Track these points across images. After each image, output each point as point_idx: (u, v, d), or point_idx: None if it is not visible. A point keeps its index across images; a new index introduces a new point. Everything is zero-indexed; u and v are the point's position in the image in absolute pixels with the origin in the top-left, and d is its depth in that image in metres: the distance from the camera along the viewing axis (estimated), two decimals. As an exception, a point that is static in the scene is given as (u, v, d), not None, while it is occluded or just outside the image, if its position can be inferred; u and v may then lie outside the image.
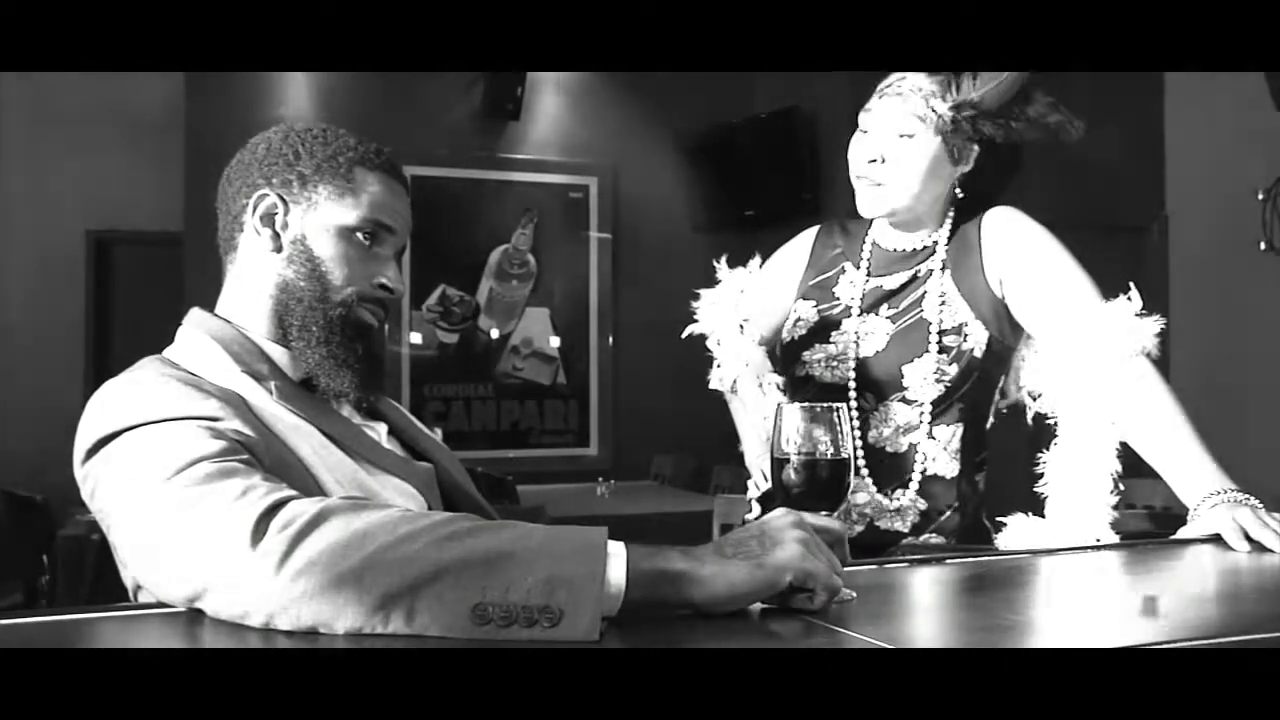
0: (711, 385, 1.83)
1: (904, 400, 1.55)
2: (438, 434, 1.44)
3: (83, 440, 1.01)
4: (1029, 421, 1.56)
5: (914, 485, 1.55)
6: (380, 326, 1.22)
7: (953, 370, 1.53)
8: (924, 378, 1.53)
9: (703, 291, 1.83)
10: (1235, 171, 4.87)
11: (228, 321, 1.18)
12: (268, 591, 0.83)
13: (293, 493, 0.90)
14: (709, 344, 1.80)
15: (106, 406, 1.02)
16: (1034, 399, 1.55)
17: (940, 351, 1.53)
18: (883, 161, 1.55)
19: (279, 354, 1.17)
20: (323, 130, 1.21)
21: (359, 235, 1.17)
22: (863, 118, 1.59)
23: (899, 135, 1.54)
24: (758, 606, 0.90)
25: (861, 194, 1.59)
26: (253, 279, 1.18)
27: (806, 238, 1.77)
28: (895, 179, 1.55)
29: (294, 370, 1.17)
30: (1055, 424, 1.50)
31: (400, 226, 1.21)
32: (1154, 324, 1.44)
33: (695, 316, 1.82)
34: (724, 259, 1.83)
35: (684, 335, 1.84)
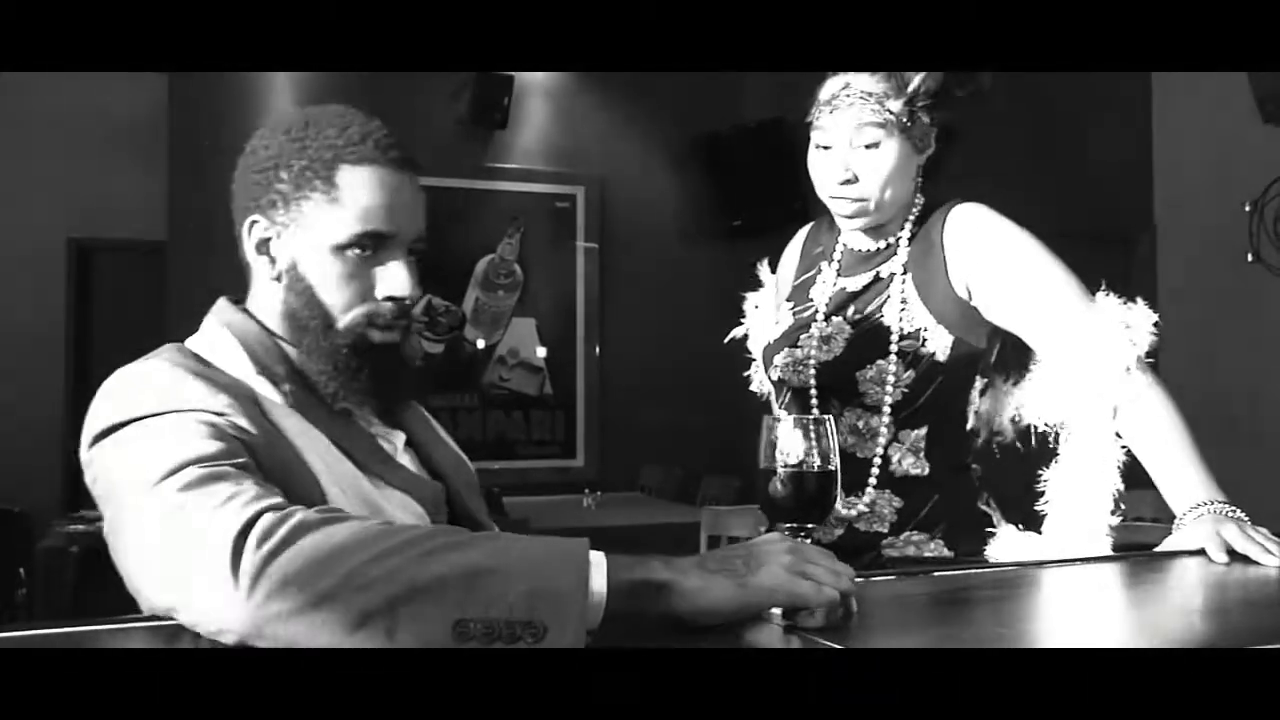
0: (753, 388, 1.83)
1: (862, 405, 1.53)
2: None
3: (89, 426, 1.00)
4: (1033, 441, 1.54)
5: (884, 486, 1.51)
6: (402, 338, 1.15)
7: (908, 376, 1.50)
8: (879, 384, 1.50)
9: (747, 295, 1.82)
10: (1223, 184, 4.91)
11: (252, 316, 1.15)
12: (241, 615, 0.82)
13: (271, 502, 0.88)
14: (749, 345, 1.80)
15: (115, 395, 1.00)
16: (1036, 416, 1.54)
17: (898, 356, 1.51)
18: (855, 180, 1.51)
19: (299, 357, 1.13)
20: (303, 125, 1.12)
21: (353, 251, 1.10)
22: (817, 135, 1.55)
23: (864, 147, 1.50)
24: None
25: (839, 211, 1.56)
26: (265, 304, 1.15)
27: (798, 237, 1.77)
28: (870, 193, 1.52)
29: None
30: (1056, 441, 1.48)
31: (402, 225, 1.11)
32: (1145, 317, 1.42)
33: (741, 319, 1.82)
34: (765, 261, 1.82)
35: (726, 340, 1.84)
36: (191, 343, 1.13)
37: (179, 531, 0.86)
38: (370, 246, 1.10)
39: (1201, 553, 1.29)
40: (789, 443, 1.04)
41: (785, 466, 1.03)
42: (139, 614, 0.93)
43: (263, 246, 1.13)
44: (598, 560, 0.84)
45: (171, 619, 0.89)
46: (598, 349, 5.29)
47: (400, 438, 1.21)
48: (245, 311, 1.15)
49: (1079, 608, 1.15)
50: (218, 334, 1.13)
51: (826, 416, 1.06)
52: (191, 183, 4.52)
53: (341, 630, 0.79)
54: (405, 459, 1.20)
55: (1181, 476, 1.37)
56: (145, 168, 5.23)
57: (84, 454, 1.00)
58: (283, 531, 0.83)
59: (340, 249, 1.09)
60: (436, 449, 1.26)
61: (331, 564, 0.81)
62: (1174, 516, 1.37)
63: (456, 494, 1.23)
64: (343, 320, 1.11)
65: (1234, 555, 1.26)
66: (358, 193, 1.09)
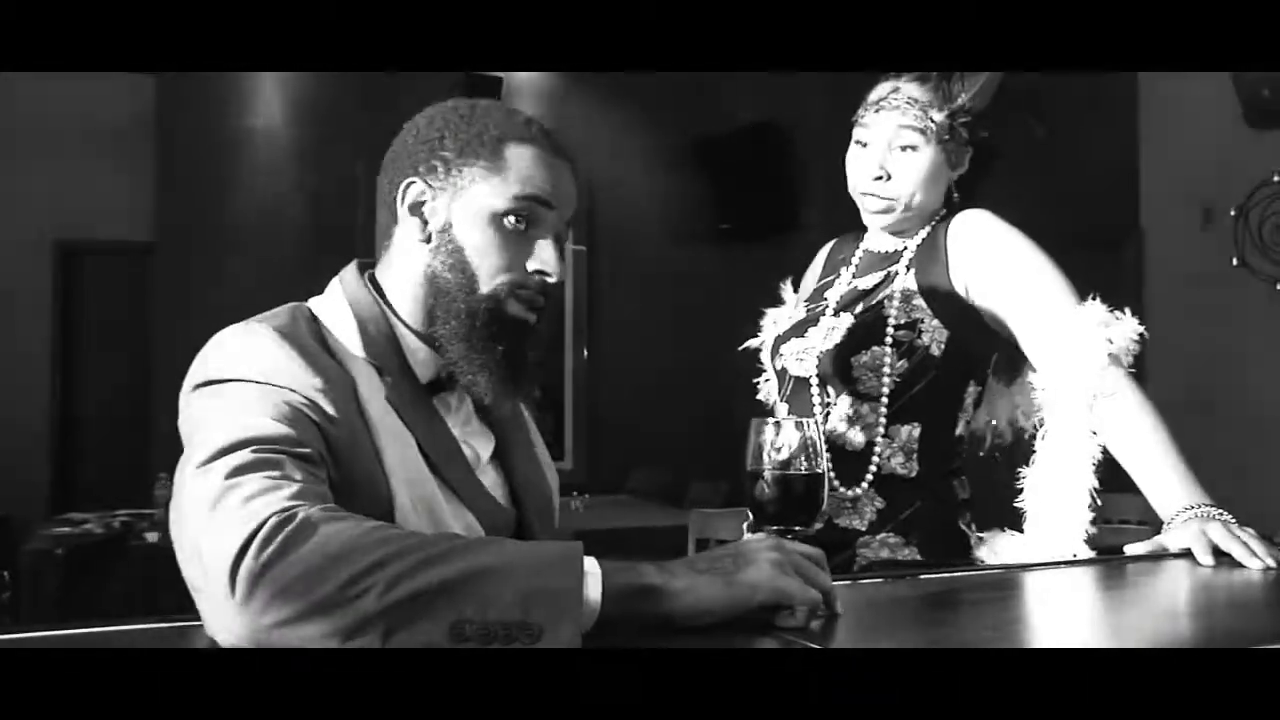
0: (760, 397, 1.85)
1: (856, 394, 1.54)
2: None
3: (192, 374, 1.01)
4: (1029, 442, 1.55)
5: (869, 482, 1.52)
6: (537, 321, 1.15)
7: (902, 365, 1.52)
8: (873, 370, 1.52)
9: (768, 310, 1.86)
10: (1209, 188, 4.94)
11: (379, 296, 1.14)
12: (237, 624, 0.81)
13: (284, 504, 0.86)
14: (762, 357, 1.83)
15: (219, 354, 1.01)
16: (1027, 419, 1.56)
17: (892, 345, 1.53)
18: (888, 178, 1.58)
19: (415, 347, 1.13)
20: (470, 107, 1.15)
21: (510, 219, 1.11)
22: (859, 132, 1.62)
23: (900, 148, 1.58)
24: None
25: (867, 208, 1.62)
26: (401, 270, 1.15)
27: (824, 250, 1.83)
28: (901, 193, 1.58)
29: (424, 370, 1.13)
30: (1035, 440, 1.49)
31: (560, 201, 1.13)
32: (1128, 325, 1.44)
33: (758, 332, 1.85)
34: (788, 281, 1.87)
35: (740, 349, 1.87)
36: (314, 304, 1.14)
37: (208, 525, 0.86)
38: (527, 216, 1.11)
39: (1187, 555, 1.29)
40: (776, 445, 1.04)
41: (772, 469, 1.03)
42: (130, 617, 0.94)
43: (416, 209, 1.14)
44: (591, 566, 0.85)
45: (163, 618, 0.91)
46: (586, 351, 5.29)
47: (488, 447, 1.20)
48: (372, 284, 1.15)
49: (1065, 610, 1.15)
50: (339, 304, 1.13)
51: (814, 419, 1.07)
52: (178, 184, 4.50)
53: (337, 638, 0.79)
54: (488, 471, 1.19)
55: (1163, 478, 1.38)
56: (131, 169, 5.20)
57: (182, 398, 1.02)
58: (280, 539, 0.82)
59: (499, 216, 1.11)
60: (523, 467, 1.24)
61: (328, 572, 0.80)
62: (1159, 519, 1.38)
63: (528, 521, 1.21)
64: (487, 285, 1.11)
65: (1220, 557, 1.26)
66: (521, 164, 1.12)
